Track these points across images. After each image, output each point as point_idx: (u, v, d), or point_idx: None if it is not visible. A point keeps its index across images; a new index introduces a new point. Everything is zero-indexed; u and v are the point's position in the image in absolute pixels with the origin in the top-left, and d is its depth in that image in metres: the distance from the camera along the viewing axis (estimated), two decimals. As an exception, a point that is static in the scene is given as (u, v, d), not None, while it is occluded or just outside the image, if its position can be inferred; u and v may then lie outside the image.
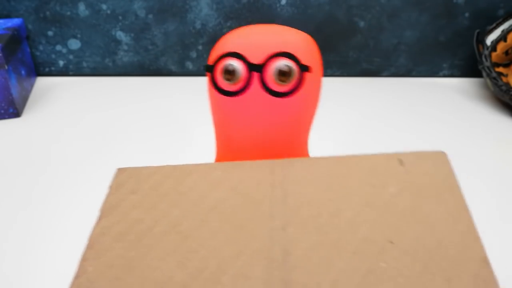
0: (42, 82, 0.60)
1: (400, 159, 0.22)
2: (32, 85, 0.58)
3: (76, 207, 0.36)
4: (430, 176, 0.21)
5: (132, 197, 0.22)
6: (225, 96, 0.26)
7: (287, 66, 0.25)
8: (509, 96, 0.50)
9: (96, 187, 0.38)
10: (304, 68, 0.25)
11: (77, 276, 0.18)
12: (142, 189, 0.22)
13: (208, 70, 0.26)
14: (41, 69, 0.61)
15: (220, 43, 0.26)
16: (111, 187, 0.22)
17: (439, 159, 0.22)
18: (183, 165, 0.23)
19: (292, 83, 0.25)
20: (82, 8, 0.57)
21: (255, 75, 0.25)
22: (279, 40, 0.25)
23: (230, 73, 0.25)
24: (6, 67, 0.47)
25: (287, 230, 0.20)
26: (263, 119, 0.26)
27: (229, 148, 0.28)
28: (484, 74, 0.54)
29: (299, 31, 0.26)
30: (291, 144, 0.28)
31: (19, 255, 0.31)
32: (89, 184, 0.39)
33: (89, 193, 0.38)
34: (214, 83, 0.26)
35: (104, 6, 0.57)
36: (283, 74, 0.25)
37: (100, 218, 0.21)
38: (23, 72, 0.54)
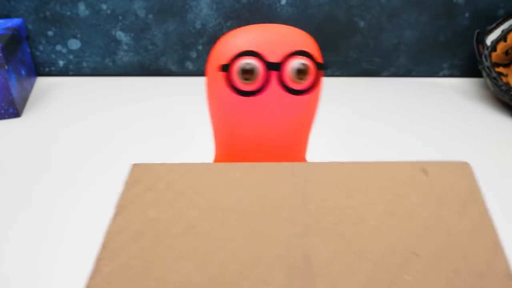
0: (42, 82, 0.60)
1: (423, 168, 0.22)
2: (32, 85, 0.58)
3: (76, 206, 0.36)
4: (453, 187, 0.21)
5: (148, 195, 0.21)
6: (241, 96, 0.26)
7: (305, 64, 0.25)
8: (509, 96, 0.50)
9: (96, 187, 0.38)
10: (319, 66, 0.26)
11: (93, 276, 0.18)
12: (158, 187, 0.22)
13: (223, 69, 0.26)
14: (41, 69, 0.61)
15: (232, 41, 0.26)
16: (126, 183, 0.22)
17: (463, 170, 0.22)
18: (200, 163, 0.23)
19: (308, 81, 0.25)
20: (82, 8, 0.57)
21: (273, 74, 0.25)
22: (294, 39, 0.25)
23: (248, 72, 0.25)
24: (6, 67, 0.47)
25: (308, 237, 0.19)
26: (277, 118, 0.26)
27: (233, 148, 0.28)
28: (484, 74, 0.54)
29: (302, 31, 0.27)
30: (296, 143, 0.28)
31: (21, 255, 0.31)
32: (89, 183, 0.39)
33: (89, 192, 0.38)
34: (230, 83, 0.25)
35: (104, 6, 0.57)
36: (301, 73, 0.25)
37: (115, 215, 0.20)
38: (23, 72, 0.54)
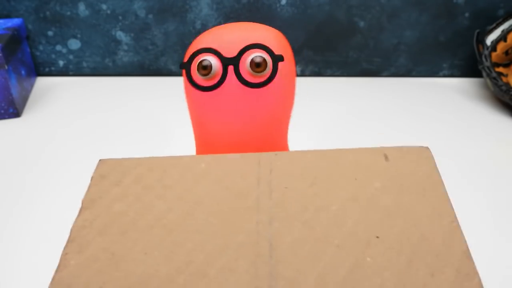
0: (42, 82, 0.60)
1: (385, 154, 0.22)
2: (32, 85, 0.58)
3: (77, 206, 0.36)
4: (413, 171, 0.22)
5: (115, 189, 0.21)
6: (202, 92, 0.26)
7: (261, 56, 0.25)
8: (509, 96, 0.50)
9: (96, 187, 0.38)
10: (277, 58, 0.26)
11: (58, 270, 0.18)
12: (126, 181, 0.22)
13: (183, 67, 0.27)
14: (41, 69, 0.61)
15: (194, 41, 0.27)
16: (93, 178, 0.22)
17: (422, 155, 0.22)
18: (166, 157, 0.23)
19: (266, 73, 0.26)
20: (82, 8, 0.57)
21: (230, 68, 0.26)
22: (250, 34, 0.26)
23: (205, 68, 0.25)
24: (6, 67, 0.47)
25: (273, 224, 0.20)
26: (241, 112, 0.27)
27: (208, 144, 0.28)
28: (484, 74, 0.54)
29: (269, 26, 0.27)
30: (270, 138, 0.28)
31: (22, 254, 0.31)
32: (88, 183, 0.39)
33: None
34: (190, 79, 0.26)
35: (104, 6, 0.57)
36: (257, 65, 0.25)
37: (81, 210, 0.21)
38: (23, 72, 0.54)
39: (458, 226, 0.19)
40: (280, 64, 0.26)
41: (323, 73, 0.63)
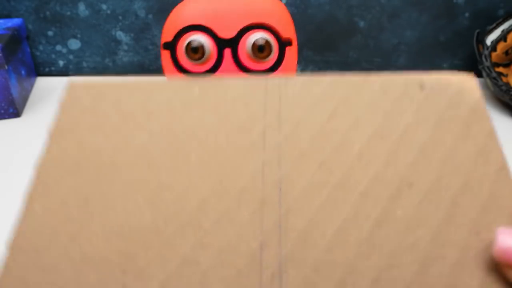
0: (42, 82, 0.60)
1: (420, 82, 0.18)
2: (32, 85, 0.58)
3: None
4: (454, 104, 0.18)
5: (88, 118, 0.18)
6: None
7: (265, 39, 0.21)
8: (509, 96, 0.50)
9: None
10: (284, 42, 0.21)
11: (23, 217, 0.15)
12: (101, 108, 0.18)
13: (167, 47, 0.21)
14: (41, 69, 0.61)
15: (178, 13, 0.22)
16: (61, 105, 0.18)
17: (466, 84, 0.18)
18: (151, 79, 0.19)
19: (271, 59, 0.22)
20: (82, 8, 0.57)
21: (227, 52, 0.21)
22: (252, 9, 0.21)
23: (196, 51, 0.21)
24: (6, 67, 0.47)
25: (283, 165, 0.16)
26: None
27: None
28: (484, 74, 0.54)
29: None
30: None
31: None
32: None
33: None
34: (176, 63, 0.21)
35: (104, 6, 0.57)
36: (260, 49, 0.21)
37: (49, 144, 0.17)
38: (23, 72, 0.54)
39: (508, 174, 0.16)
40: (288, 49, 0.22)
41: (323, 73, 0.63)
